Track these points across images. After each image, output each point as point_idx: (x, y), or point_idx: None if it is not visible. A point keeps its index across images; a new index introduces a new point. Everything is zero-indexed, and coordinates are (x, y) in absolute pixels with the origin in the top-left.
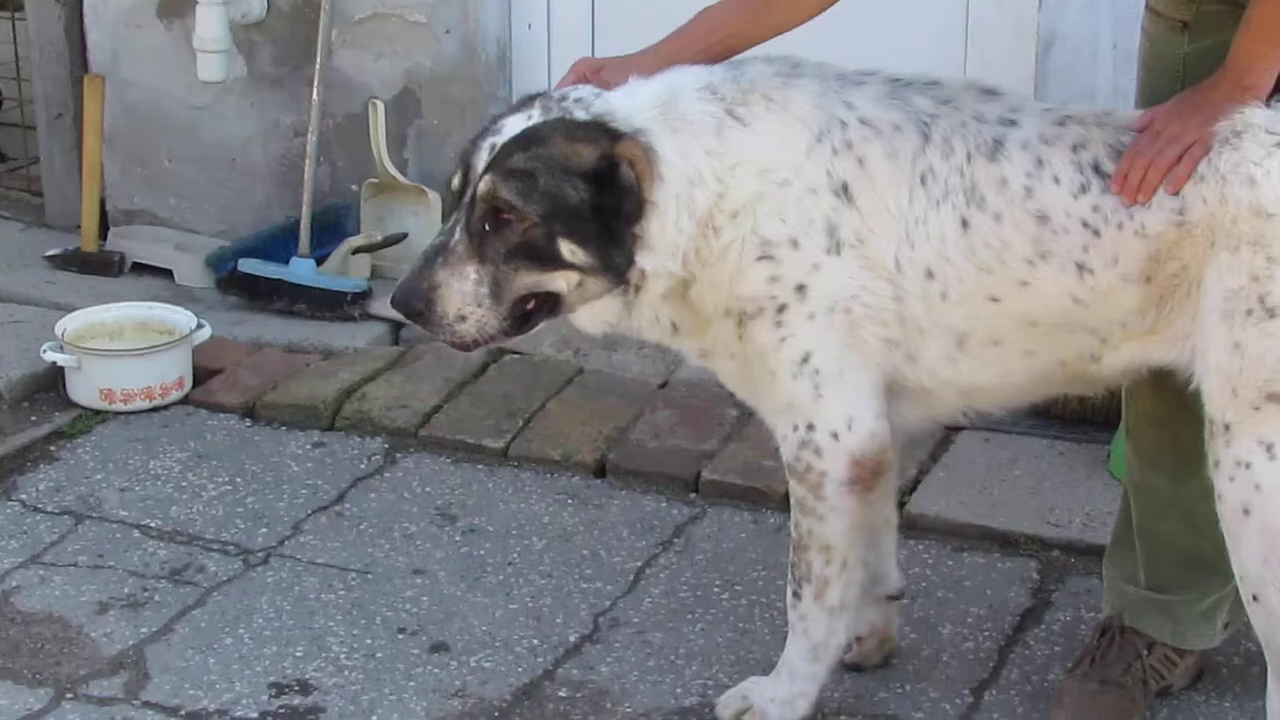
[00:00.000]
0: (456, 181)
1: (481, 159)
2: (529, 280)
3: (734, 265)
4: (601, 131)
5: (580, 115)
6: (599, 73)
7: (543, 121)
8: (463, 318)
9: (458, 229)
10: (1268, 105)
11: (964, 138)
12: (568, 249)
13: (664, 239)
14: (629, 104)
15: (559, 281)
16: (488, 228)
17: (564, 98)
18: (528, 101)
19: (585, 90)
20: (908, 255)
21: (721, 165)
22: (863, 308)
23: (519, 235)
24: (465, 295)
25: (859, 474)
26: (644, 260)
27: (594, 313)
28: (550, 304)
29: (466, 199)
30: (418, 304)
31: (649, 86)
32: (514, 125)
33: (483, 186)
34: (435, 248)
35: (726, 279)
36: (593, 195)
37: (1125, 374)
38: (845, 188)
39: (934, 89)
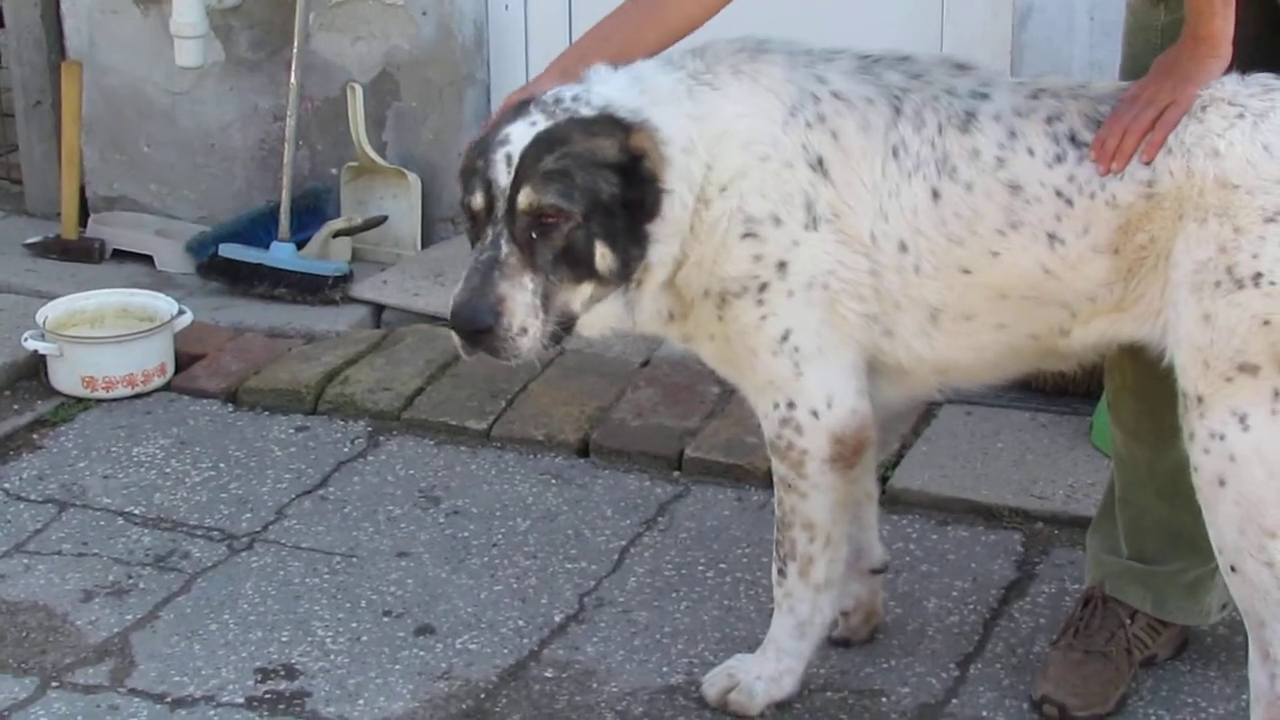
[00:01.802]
0: (480, 200)
1: (501, 171)
2: (570, 290)
3: (720, 242)
4: (613, 124)
5: (587, 112)
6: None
7: (556, 123)
8: (525, 330)
9: (503, 242)
10: (1241, 72)
11: (935, 110)
12: (600, 252)
13: (673, 223)
14: (617, 92)
15: (577, 300)
16: (534, 235)
17: (559, 99)
18: (522, 108)
19: (575, 88)
20: (882, 228)
21: (705, 132)
22: (840, 283)
23: (564, 239)
24: (527, 306)
25: (840, 451)
26: (653, 253)
27: (596, 317)
28: (570, 326)
29: (501, 211)
30: (487, 319)
31: (616, 74)
32: (521, 133)
33: (524, 196)
34: (487, 262)
35: (711, 257)
36: (622, 189)
37: (1096, 349)
38: (820, 161)
39: (905, 64)
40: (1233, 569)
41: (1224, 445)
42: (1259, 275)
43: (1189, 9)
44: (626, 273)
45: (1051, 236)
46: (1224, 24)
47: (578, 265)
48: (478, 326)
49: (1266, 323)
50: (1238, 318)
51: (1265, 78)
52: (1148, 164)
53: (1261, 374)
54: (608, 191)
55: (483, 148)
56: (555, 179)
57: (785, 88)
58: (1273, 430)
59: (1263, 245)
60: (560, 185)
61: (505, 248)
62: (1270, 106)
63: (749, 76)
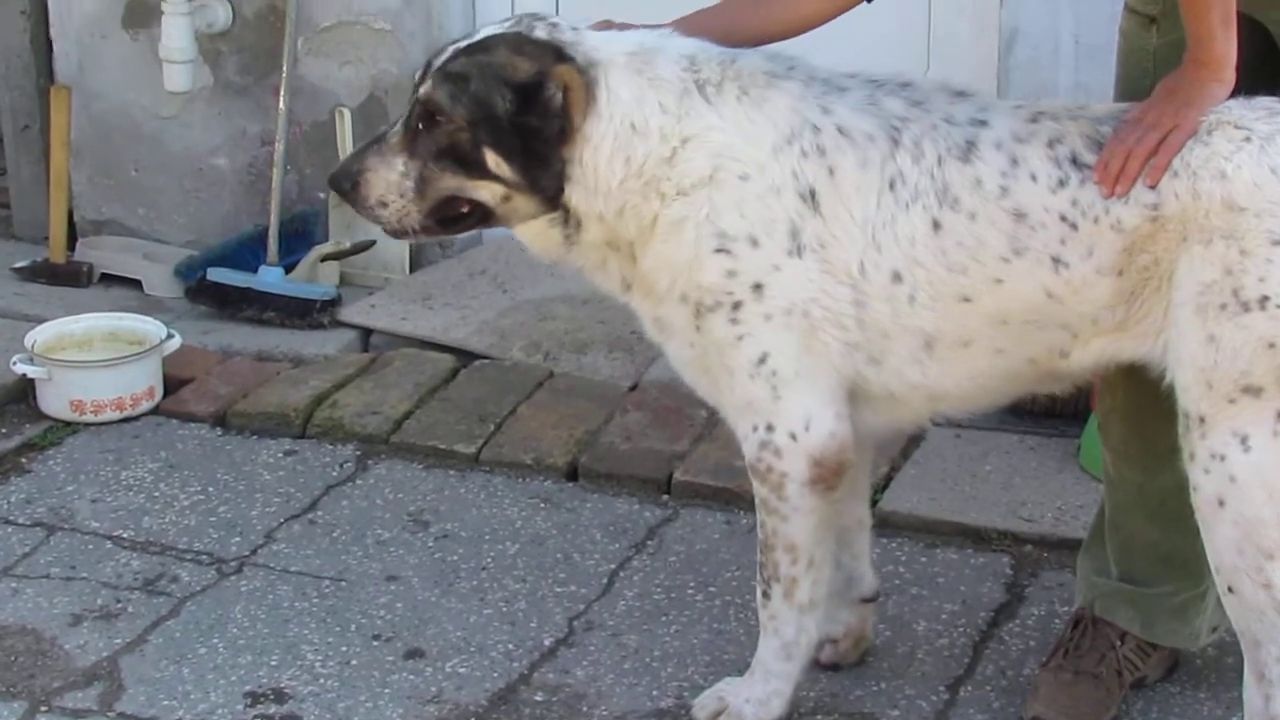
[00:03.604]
0: (417, 77)
1: (440, 60)
2: (453, 183)
3: (691, 251)
4: (549, 52)
5: (539, 35)
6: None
7: (500, 33)
8: (384, 204)
9: (399, 124)
10: (1247, 96)
11: (934, 141)
12: (493, 159)
13: (594, 176)
14: (603, 42)
15: (483, 192)
16: (421, 126)
17: (539, 18)
18: (516, 18)
19: (565, 22)
20: (874, 259)
21: (674, 129)
22: (822, 311)
23: (447, 137)
24: (390, 184)
25: (820, 474)
26: (573, 191)
27: (533, 234)
28: (481, 214)
29: (413, 97)
30: (345, 184)
31: (637, 35)
32: (481, 35)
33: (424, 89)
34: (375, 136)
35: (684, 263)
36: (518, 109)
37: (1094, 370)
38: (813, 193)
39: (907, 90)
40: (1230, 590)
41: (1224, 466)
42: (1265, 298)
43: (1190, 34)
44: (538, 189)
45: (1056, 260)
46: (1226, 48)
47: (465, 163)
48: (337, 189)
49: (1271, 345)
50: (1243, 340)
51: (1270, 101)
52: (1152, 188)
53: (1265, 396)
54: (501, 107)
55: (454, 39)
56: (450, 80)
57: (787, 116)
58: (1274, 452)
59: (1269, 268)
60: (451, 87)
61: (396, 128)
62: (1276, 129)
63: (753, 101)
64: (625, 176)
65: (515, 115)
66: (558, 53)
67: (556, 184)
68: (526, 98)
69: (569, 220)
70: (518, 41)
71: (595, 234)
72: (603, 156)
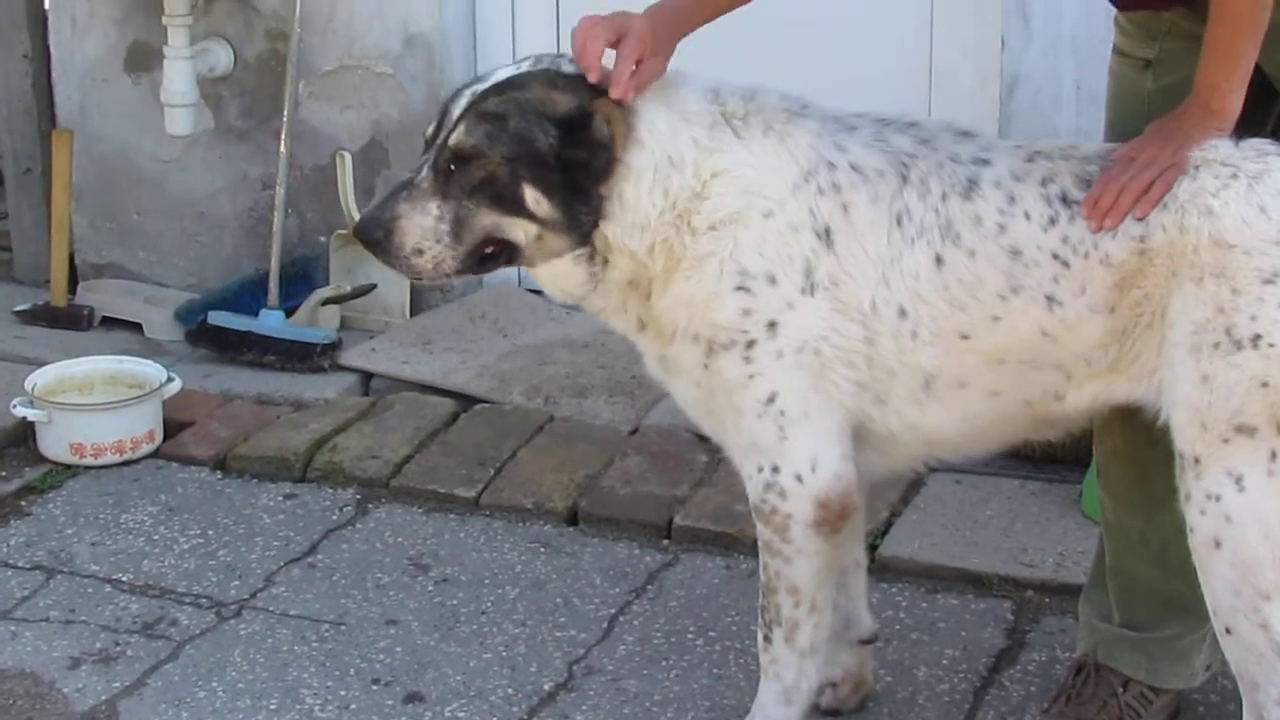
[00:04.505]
0: (431, 128)
1: (460, 105)
2: (489, 221)
3: (712, 287)
4: (585, 86)
5: (569, 69)
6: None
7: (529, 70)
8: (420, 251)
9: (425, 167)
10: (1236, 137)
11: (940, 178)
12: (532, 196)
13: (634, 209)
14: None
15: (518, 230)
16: (453, 168)
17: (560, 56)
18: (534, 58)
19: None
20: (883, 295)
21: (705, 163)
22: (832, 349)
23: (483, 176)
24: (425, 230)
25: (825, 516)
26: (609, 227)
27: (557, 273)
28: (509, 253)
29: (439, 141)
30: (377, 233)
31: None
32: (501, 74)
33: (455, 133)
34: (402, 183)
35: (702, 300)
36: (563, 144)
37: (1089, 413)
38: (828, 231)
39: (914, 129)
40: (1227, 631)
41: (1220, 506)
42: (1258, 337)
43: (1205, 82)
44: (574, 225)
45: (1050, 299)
46: (1236, 101)
47: (502, 202)
48: (367, 240)
49: (1265, 384)
50: (1236, 379)
51: (1259, 142)
52: (1141, 219)
53: (1259, 435)
54: (544, 142)
55: (465, 83)
56: (487, 120)
57: (806, 153)
58: (1268, 491)
59: (1261, 307)
60: (489, 127)
61: (424, 173)
62: (1265, 169)
63: (778, 136)
64: (663, 209)
65: (560, 150)
66: (594, 86)
67: (593, 219)
68: (570, 131)
69: (595, 257)
70: (552, 77)
71: (622, 271)
72: (644, 189)
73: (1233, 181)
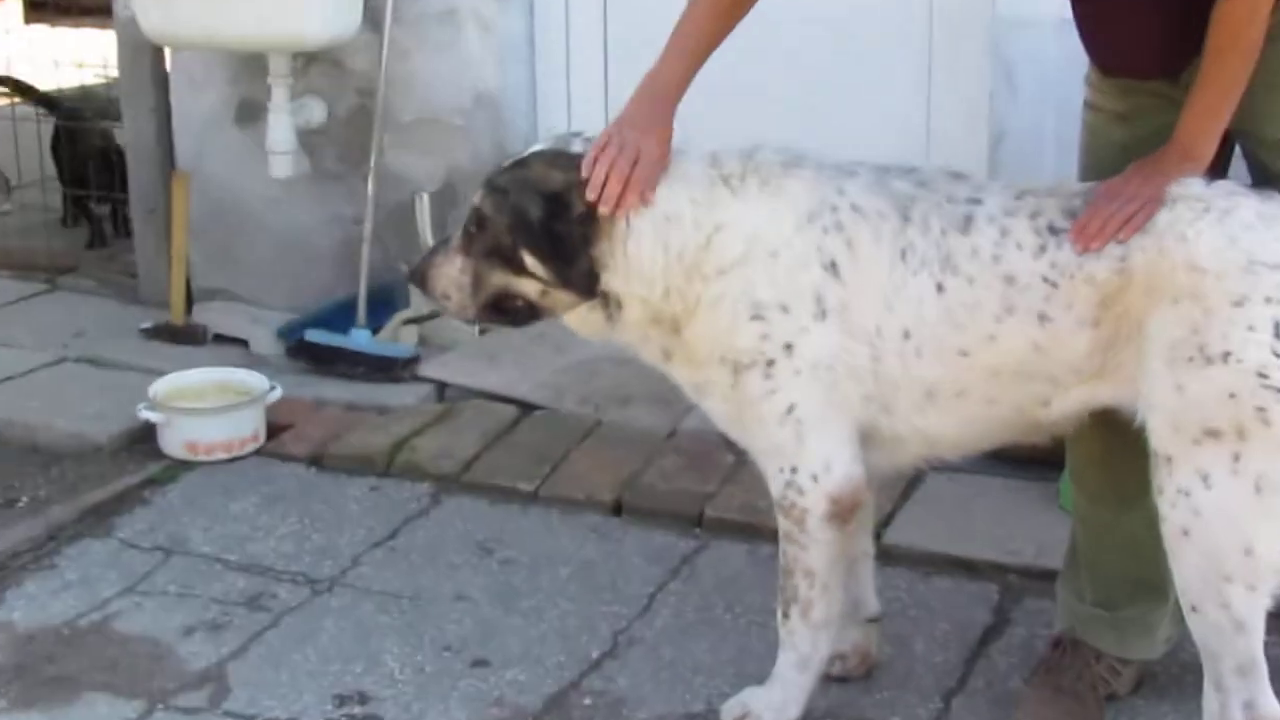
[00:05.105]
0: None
1: (491, 175)
2: (500, 280)
3: (730, 320)
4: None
5: (576, 149)
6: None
7: (541, 150)
8: (447, 296)
9: (460, 230)
10: (1208, 177)
11: (939, 216)
12: (530, 260)
13: (637, 262)
14: None
15: (526, 287)
16: (475, 230)
17: (577, 135)
18: (562, 136)
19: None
20: (887, 319)
21: (706, 218)
22: (843, 367)
23: (493, 240)
24: (450, 280)
25: (836, 510)
26: (614, 279)
27: (578, 320)
28: (530, 308)
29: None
30: (419, 277)
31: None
32: (526, 151)
33: (476, 198)
34: (445, 238)
35: (723, 330)
36: (548, 216)
37: (1073, 417)
38: (834, 264)
39: (912, 174)
40: (1194, 609)
41: (1189, 501)
42: (1228, 353)
43: (1189, 131)
44: (571, 284)
45: (1042, 316)
46: (1212, 148)
47: (509, 263)
48: (413, 280)
49: (1232, 395)
50: (1207, 390)
51: (1227, 183)
52: (1122, 242)
53: (1225, 439)
54: (533, 215)
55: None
56: (496, 192)
57: (805, 199)
58: (1232, 489)
59: (1231, 327)
60: (496, 198)
61: (458, 233)
62: (1234, 205)
63: (773, 188)
64: (666, 262)
65: (544, 221)
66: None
67: (586, 280)
68: (556, 206)
69: (609, 303)
70: (552, 157)
71: (637, 314)
72: (645, 246)
73: (1206, 214)
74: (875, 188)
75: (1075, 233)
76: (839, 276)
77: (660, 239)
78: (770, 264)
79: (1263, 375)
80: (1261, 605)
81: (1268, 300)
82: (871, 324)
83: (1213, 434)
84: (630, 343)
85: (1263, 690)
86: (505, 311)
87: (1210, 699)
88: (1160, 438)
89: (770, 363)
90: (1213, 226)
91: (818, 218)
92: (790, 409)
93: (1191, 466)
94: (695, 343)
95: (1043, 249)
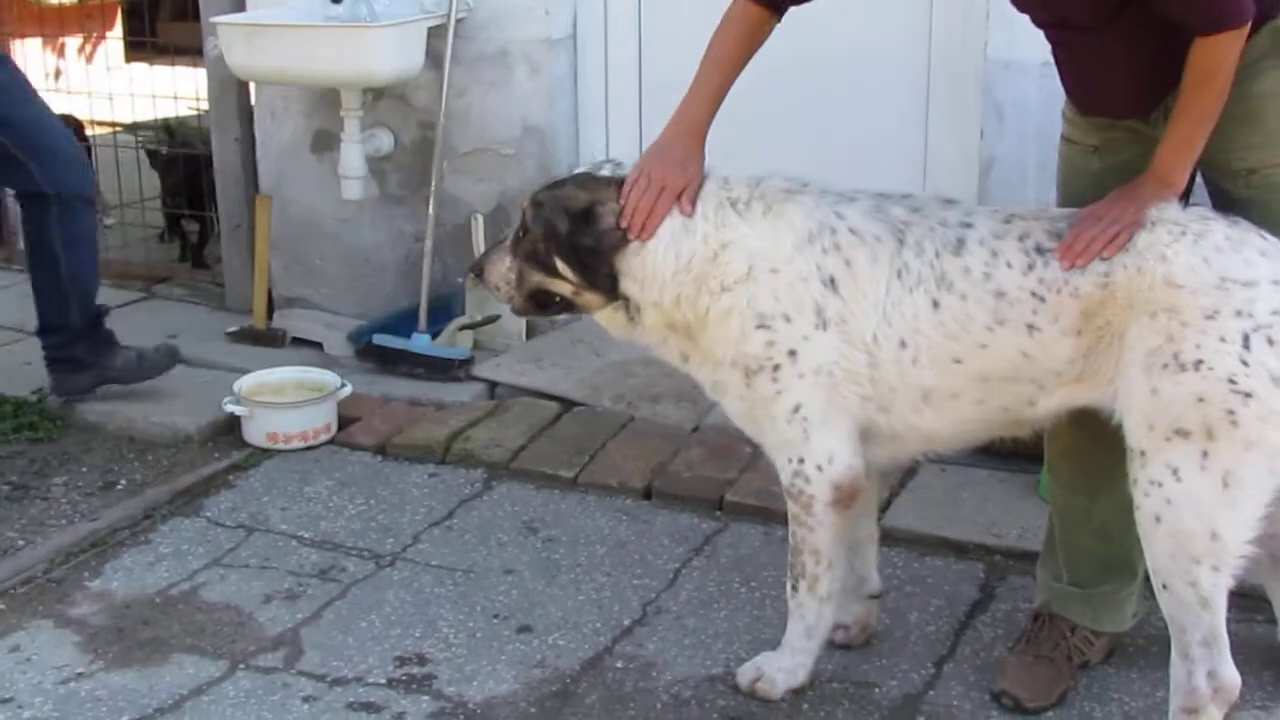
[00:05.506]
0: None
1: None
2: (537, 279)
3: (738, 330)
4: (608, 185)
5: (605, 173)
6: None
7: (577, 173)
8: (498, 288)
9: (513, 230)
10: (1182, 203)
11: (933, 239)
12: (561, 265)
13: (651, 267)
14: None
15: (560, 286)
16: (521, 235)
17: (608, 162)
18: (596, 164)
19: (630, 162)
20: (885, 331)
21: (714, 235)
22: (843, 372)
23: (532, 246)
24: (500, 274)
25: (839, 496)
26: (627, 287)
27: (606, 318)
28: (565, 303)
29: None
30: (477, 270)
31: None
32: (568, 174)
33: (522, 207)
34: (502, 239)
35: (735, 338)
36: (573, 231)
37: (1054, 416)
38: (833, 280)
39: (907, 200)
40: (1164, 586)
41: (1161, 491)
42: (1200, 362)
43: (1166, 162)
44: (598, 287)
45: (1030, 327)
46: (1186, 176)
47: (544, 266)
48: (473, 271)
49: (1201, 400)
50: (1179, 394)
51: (1201, 209)
52: (1106, 260)
53: (1193, 438)
54: (562, 228)
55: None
56: (535, 206)
57: (804, 222)
58: (1199, 481)
59: (1203, 338)
60: (535, 211)
61: (510, 236)
62: (1207, 229)
63: (775, 213)
64: (676, 270)
65: (570, 233)
66: (618, 186)
67: (609, 284)
68: (581, 222)
69: (630, 307)
70: (584, 179)
71: (654, 319)
72: (659, 253)
73: (1182, 236)
74: (873, 213)
75: (1062, 251)
76: (838, 291)
77: (674, 247)
78: (772, 279)
79: (1233, 381)
80: (1224, 584)
81: (1238, 314)
82: (869, 334)
83: (1182, 433)
84: (651, 344)
85: (1224, 660)
86: (545, 305)
87: (1177, 668)
88: (1135, 435)
89: (777, 367)
90: (1189, 248)
91: (817, 239)
92: (796, 408)
93: (1163, 460)
94: (711, 348)
95: (1031, 267)
